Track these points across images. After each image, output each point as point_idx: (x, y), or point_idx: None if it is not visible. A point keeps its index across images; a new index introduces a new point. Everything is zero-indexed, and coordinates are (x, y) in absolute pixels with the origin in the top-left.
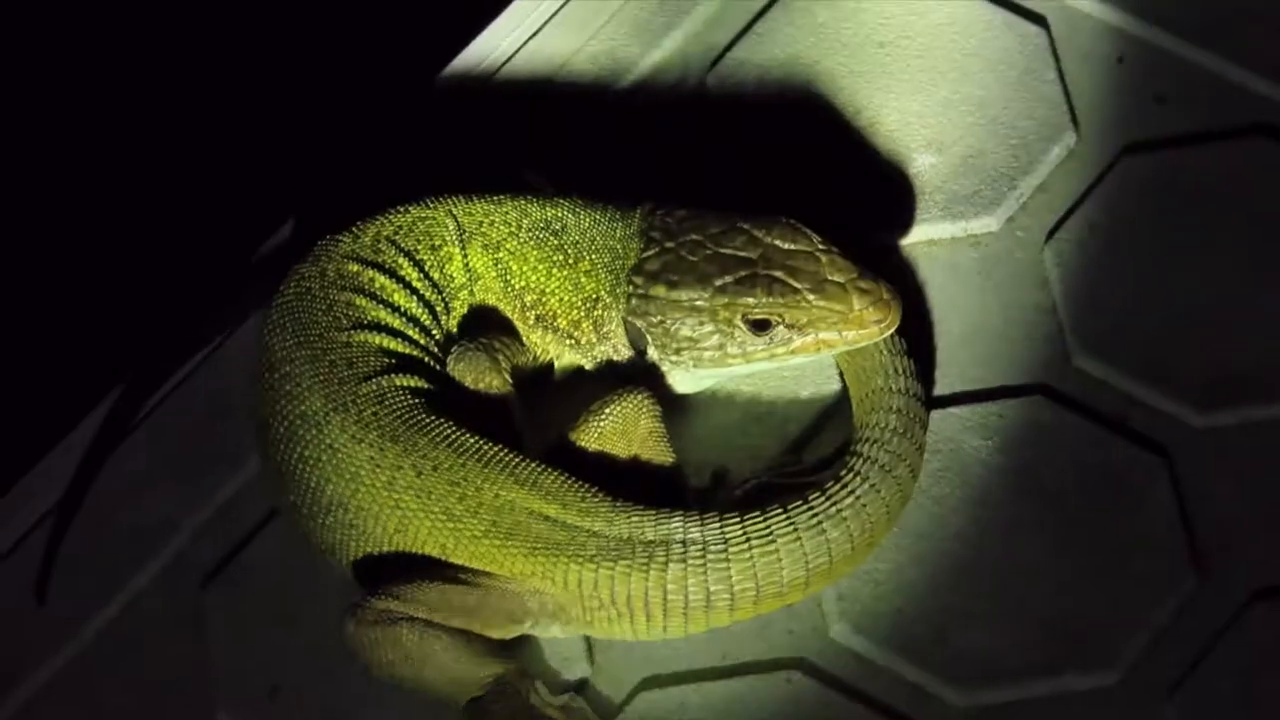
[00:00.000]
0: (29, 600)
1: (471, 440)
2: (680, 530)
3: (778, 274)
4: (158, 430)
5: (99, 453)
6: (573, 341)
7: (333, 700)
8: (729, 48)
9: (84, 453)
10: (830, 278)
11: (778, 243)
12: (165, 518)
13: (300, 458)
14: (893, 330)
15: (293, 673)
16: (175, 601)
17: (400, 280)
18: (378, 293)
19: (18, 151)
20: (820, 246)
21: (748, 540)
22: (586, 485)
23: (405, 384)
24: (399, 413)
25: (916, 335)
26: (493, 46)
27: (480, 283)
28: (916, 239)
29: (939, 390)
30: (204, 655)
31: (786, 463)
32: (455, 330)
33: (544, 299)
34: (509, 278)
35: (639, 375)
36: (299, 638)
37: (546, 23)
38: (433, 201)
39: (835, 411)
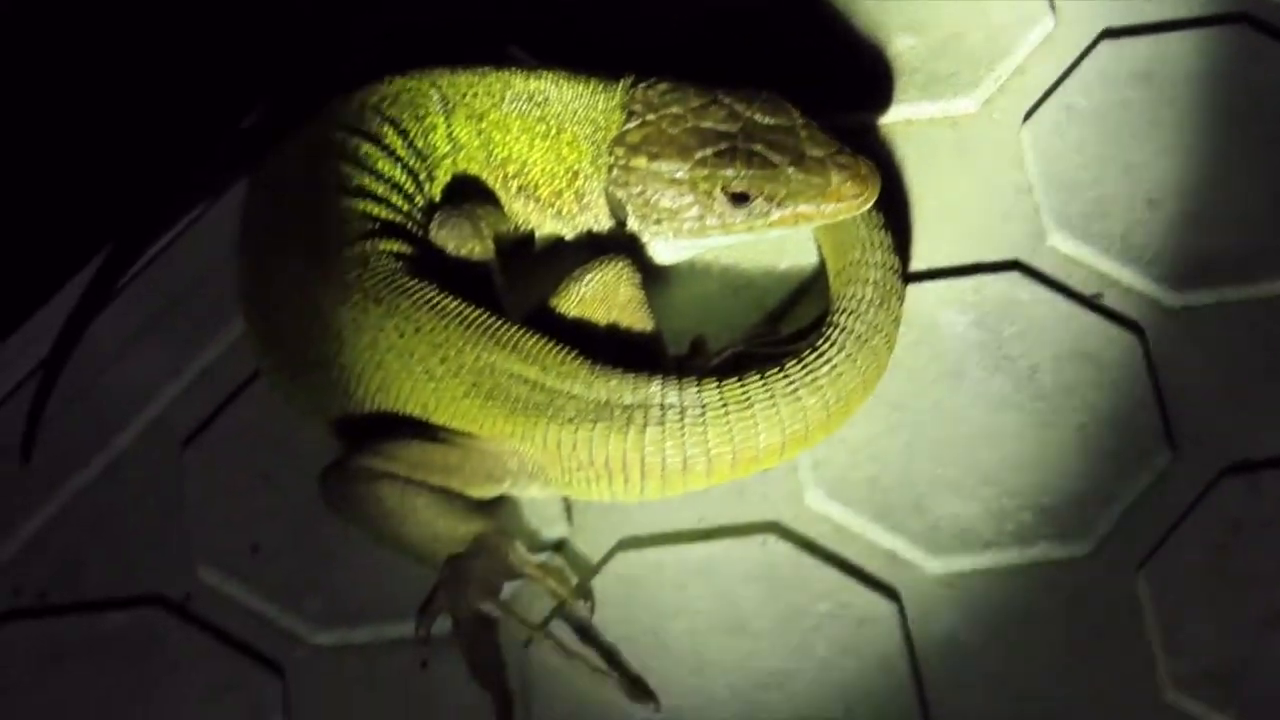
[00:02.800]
0: (13, 459)
1: (454, 303)
2: (658, 394)
3: (757, 148)
4: (141, 293)
5: (83, 315)
6: (554, 211)
7: (312, 558)
8: None
9: (68, 315)
10: (809, 152)
11: (758, 117)
12: (148, 379)
13: (283, 320)
14: (870, 205)
15: (272, 531)
16: (157, 461)
17: (385, 148)
18: (363, 159)
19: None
20: (800, 121)
21: (725, 405)
22: (566, 349)
23: (389, 248)
24: (382, 276)
25: (894, 211)
26: None
27: (463, 152)
28: (895, 118)
29: (915, 265)
30: (184, 514)
31: (764, 333)
32: (438, 198)
33: (526, 169)
34: (492, 148)
35: (619, 245)
36: (279, 497)
37: None
38: (418, 73)
39: (812, 284)
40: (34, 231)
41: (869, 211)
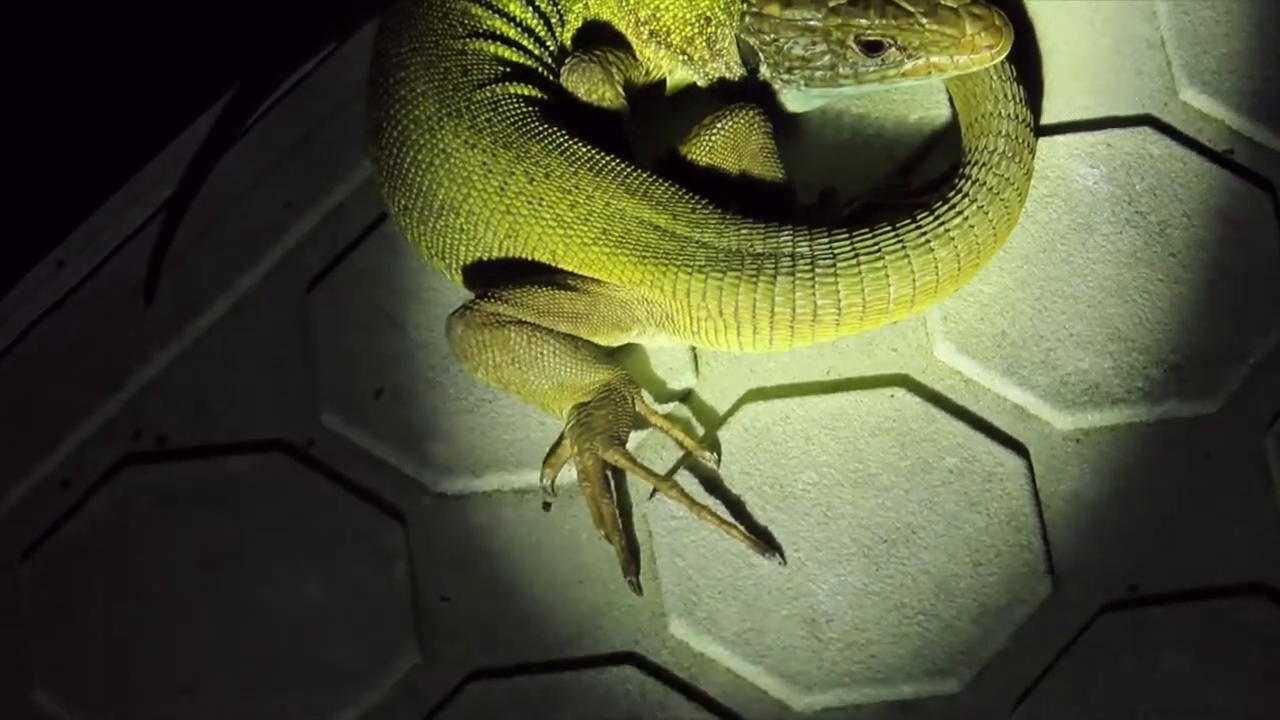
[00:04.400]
0: (137, 299)
1: (584, 149)
2: (789, 244)
3: None
4: (269, 134)
5: (210, 154)
6: (685, 58)
7: (437, 405)
8: None
9: (195, 154)
10: (944, 2)
11: None
12: (274, 220)
13: (412, 162)
14: (1003, 56)
15: (397, 377)
16: (282, 304)
17: None
18: (494, 2)
19: None
20: None
21: (856, 256)
22: (697, 197)
23: (519, 92)
24: (512, 120)
25: (1026, 64)
26: None
27: None
28: None
29: (1047, 118)
30: (309, 357)
31: (894, 184)
32: (569, 43)
33: (658, 14)
34: None
35: (750, 93)
36: (404, 341)
37: None
38: None
39: (944, 136)
40: (163, 67)
41: (1001, 63)
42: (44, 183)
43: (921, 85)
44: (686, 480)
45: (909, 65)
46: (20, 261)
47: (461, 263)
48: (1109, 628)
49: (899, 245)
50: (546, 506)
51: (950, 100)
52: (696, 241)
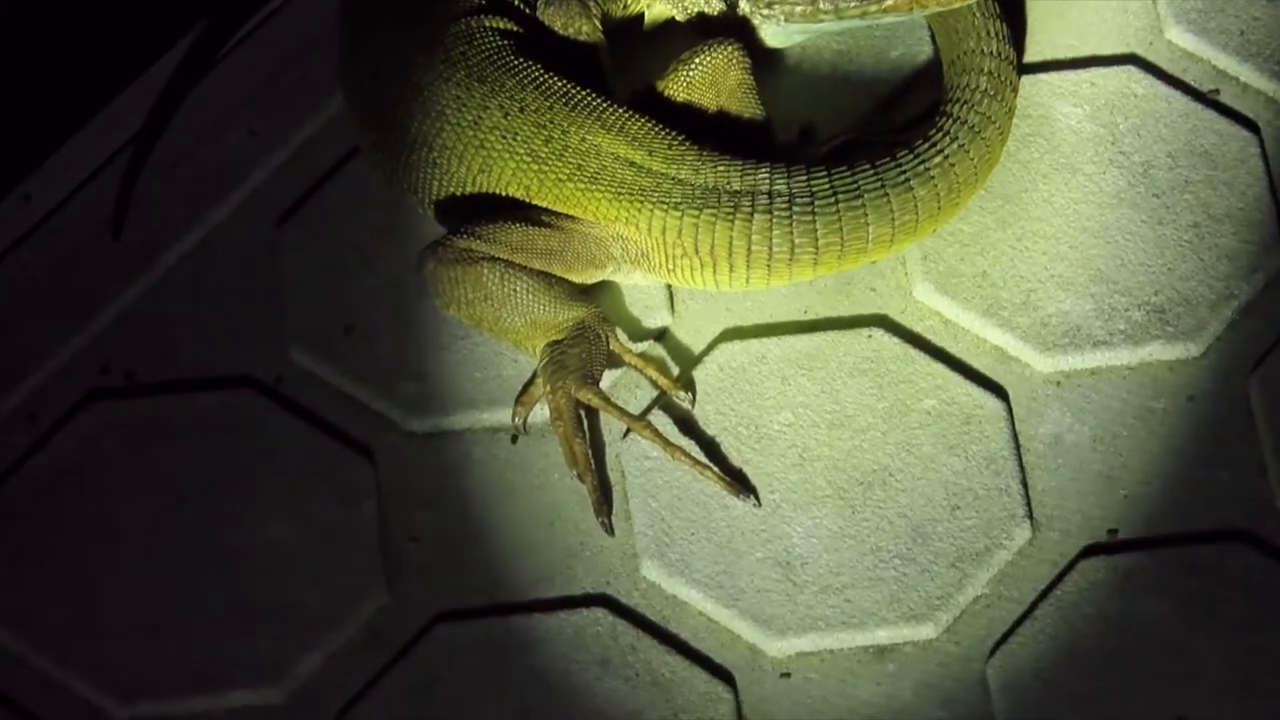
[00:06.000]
0: (105, 233)
1: (560, 83)
2: (767, 181)
3: None
4: (238, 67)
5: (179, 88)
6: None
7: (407, 342)
8: None
9: (163, 87)
10: None
11: None
12: (244, 154)
13: (385, 96)
14: None
15: (368, 313)
16: (251, 238)
17: None
18: None
19: None
20: None
21: (834, 194)
22: (674, 133)
23: (494, 25)
24: (487, 53)
25: (1009, 1)
26: None
27: None
28: None
29: (1030, 56)
30: (279, 293)
31: (875, 121)
32: None
33: None
34: None
35: (729, 28)
36: (375, 277)
37: None
38: None
39: (925, 73)
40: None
41: (984, 0)
42: (11, 116)
43: (903, 21)
44: (661, 420)
45: (890, 1)
46: None
47: (434, 198)
48: (1089, 573)
49: (878, 184)
50: (514, 439)
51: (932, 37)
52: (673, 178)
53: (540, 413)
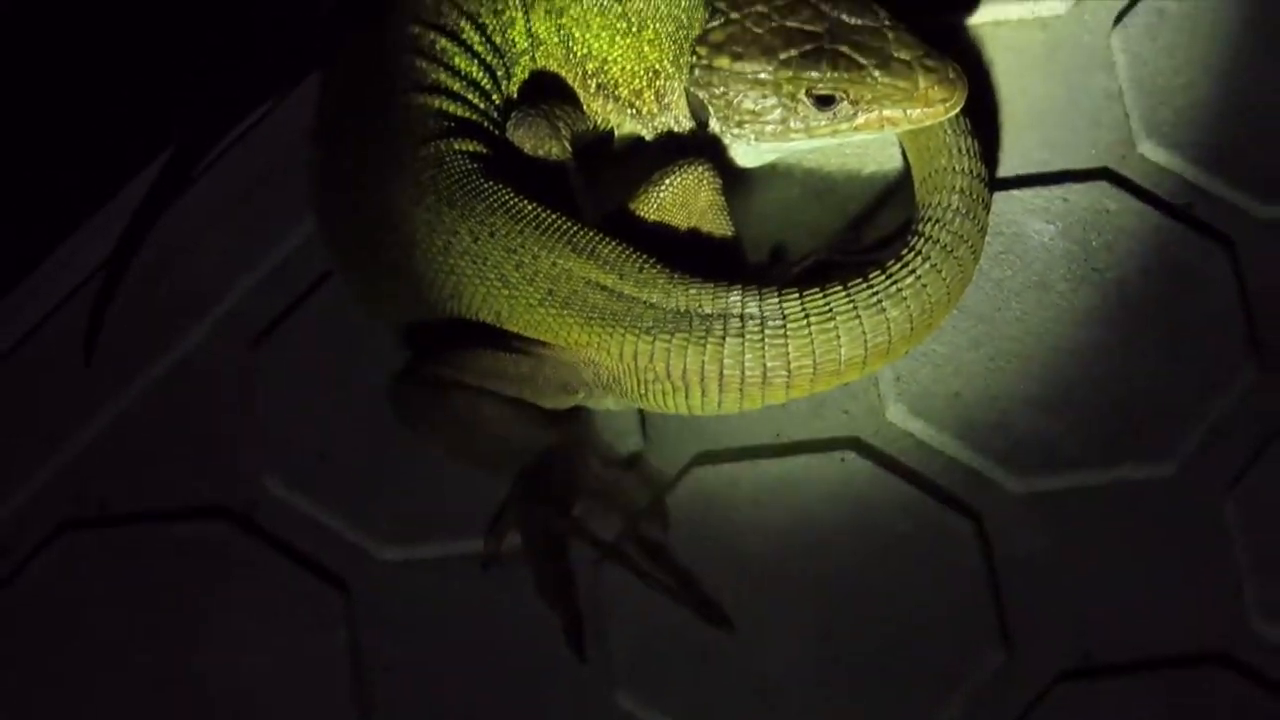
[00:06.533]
0: (77, 358)
1: (529, 207)
2: (738, 304)
3: (843, 49)
4: (212, 187)
5: (152, 209)
6: (634, 111)
7: (380, 469)
8: None
9: (137, 208)
10: (896, 54)
11: (844, 17)
12: (217, 276)
13: (355, 220)
14: (958, 110)
15: (341, 438)
16: (225, 362)
17: (462, 43)
18: (439, 55)
19: None
20: (887, 22)
21: (806, 316)
22: (644, 256)
23: (464, 148)
24: (457, 177)
25: (981, 116)
26: None
27: (542, 49)
28: (983, 19)
29: (1002, 172)
30: (252, 417)
31: (847, 240)
32: (515, 96)
33: (606, 67)
34: (571, 44)
35: (700, 147)
36: (349, 402)
37: None
38: None
39: (897, 190)
40: (103, 123)
41: (956, 116)
42: None
43: (875, 139)
44: (634, 546)
45: (861, 119)
46: None
47: (406, 322)
48: (1065, 697)
49: (850, 305)
50: (486, 567)
51: (904, 153)
52: (644, 302)
53: (514, 539)
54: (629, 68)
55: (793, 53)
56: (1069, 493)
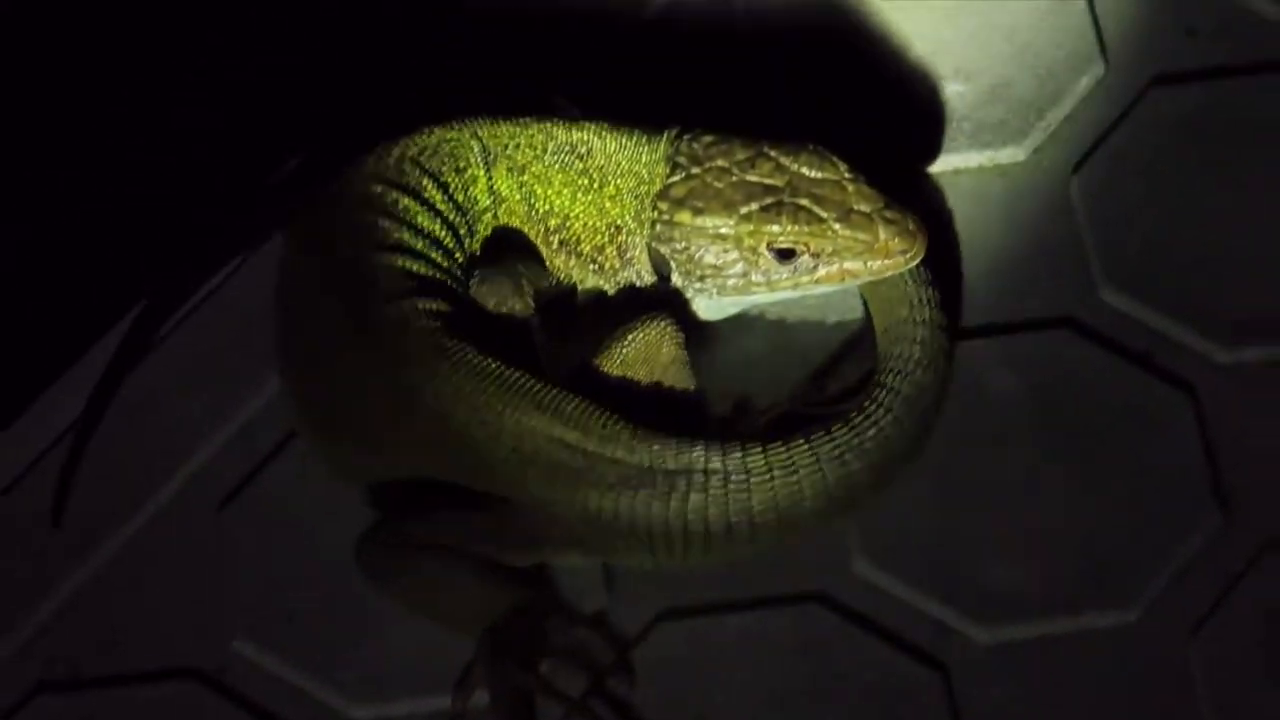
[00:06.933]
0: (45, 521)
1: (493, 364)
2: (702, 459)
3: (804, 202)
4: (177, 349)
5: (117, 371)
6: (596, 266)
7: (348, 628)
8: None
9: (103, 371)
10: (856, 207)
11: (804, 170)
12: (183, 439)
13: (320, 380)
14: (918, 261)
15: (309, 599)
16: (193, 524)
17: (424, 202)
18: (401, 214)
19: (39, 57)
20: (847, 175)
21: (770, 470)
22: (608, 412)
23: (428, 306)
24: (421, 336)
25: (942, 265)
26: None
27: (504, 206)
28: (943, 168)
29: (964, 321)
30: (220, 579)
31: (810, 392)
32: (479, 253)
33: (568, 223)
34: (533, 201)
35: (662, 301)
36: (316, 562)
37: None
38: (458, 123)
39: (859, 341)
40: (67, 287)
41: (916, 267)
42: None
43: (836, 290)
44: (601, 703)
45: (822, 272)
46: None
47: (371, 481)
48: None
49: (814, 459)
50: None
51: (865, 304)
52: (608, 458)
53: (481, 696)
54: (591, 224)
55: (753, 207)
56: (1035, 642)
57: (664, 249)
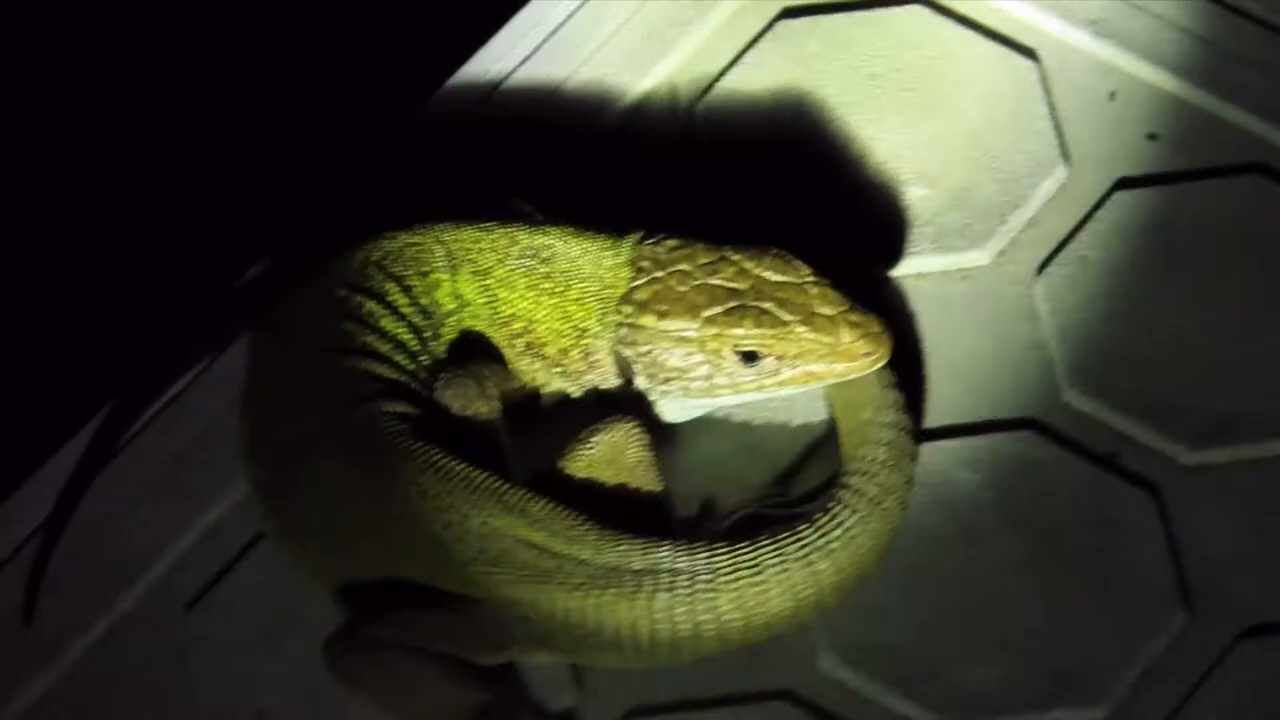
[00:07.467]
0: (16, 621)
1: (459, 466)
2: (668, 560)
3: (767, 305)
4: (143, 453)
5: (85, 475)
6: (560, 370)
7: None
8: (719, 77)
9: (70, 475)
10: (820, 310)
11: (767, 274)
12: (151, 541)
13: (287, 482)
14: (882, 364)
15: (278, 698)
16: (161, 625)
17: (388, 306)
18: (366, 318)
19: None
20: (810, 278)
21: (735, 571)
22: (574, 513)
23: (393, 410)
24: (386, 438)
25: (906, 368)
26: (483, 72)
27: (468, 309)
28: (906, 272)
29: (929, 423)
30: (189, 680)
31: (775, 493)
32: (443, 356)
33: (532, 327)
34: (497, 305)
35: (627, 403)
36: (284, 663)
37: (537, 50)
38: (422, 227)
39: (824, 442)
40: (34, 390)
41: (881, 369)
42: None
43: (801, 392)
44: None
45: (786, 374)
46: None
47: (339, 583)
48: None
49: (780, 559)
50: None
51: (830, 406)
52: (574, 559)
53: None
54: (555, 327)
55: (717, 310)
56: None
57: (628, 352)
